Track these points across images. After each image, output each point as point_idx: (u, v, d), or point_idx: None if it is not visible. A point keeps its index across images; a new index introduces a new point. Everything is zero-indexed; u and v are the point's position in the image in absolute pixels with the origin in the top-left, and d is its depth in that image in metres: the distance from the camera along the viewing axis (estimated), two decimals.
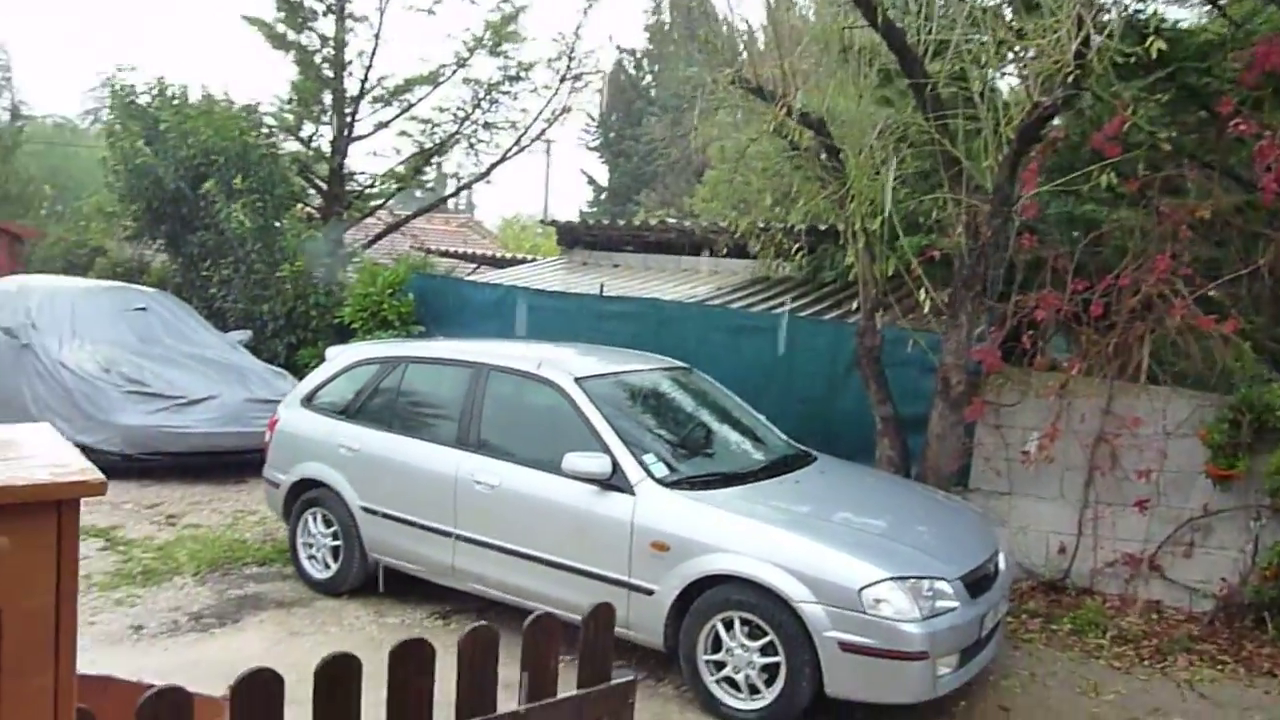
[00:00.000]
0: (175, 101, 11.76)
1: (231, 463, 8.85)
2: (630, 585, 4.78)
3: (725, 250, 9.67)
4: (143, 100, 11.91)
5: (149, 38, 58.77)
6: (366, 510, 5.94)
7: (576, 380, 5.35)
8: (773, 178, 8.49)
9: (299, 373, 10.29)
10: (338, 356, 6.72)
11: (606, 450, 4.96)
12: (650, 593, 4.71)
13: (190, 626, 5.58)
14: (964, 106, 6.06)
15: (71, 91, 64.12)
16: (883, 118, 6.52)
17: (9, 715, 1.18)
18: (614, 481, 4.89)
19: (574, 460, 4.91)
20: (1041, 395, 6.64)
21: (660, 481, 4.89)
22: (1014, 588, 6.15)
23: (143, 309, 10.19)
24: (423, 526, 5.68)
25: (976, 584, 4.64)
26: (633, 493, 4.84)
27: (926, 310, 6.60)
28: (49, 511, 1.21)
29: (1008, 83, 7.34)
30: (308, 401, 6.57)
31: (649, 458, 5.02)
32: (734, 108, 7.66)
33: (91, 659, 2.85)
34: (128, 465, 8.38)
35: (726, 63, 6.81)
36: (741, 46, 7.75)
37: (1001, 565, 5.07)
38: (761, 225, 8.51)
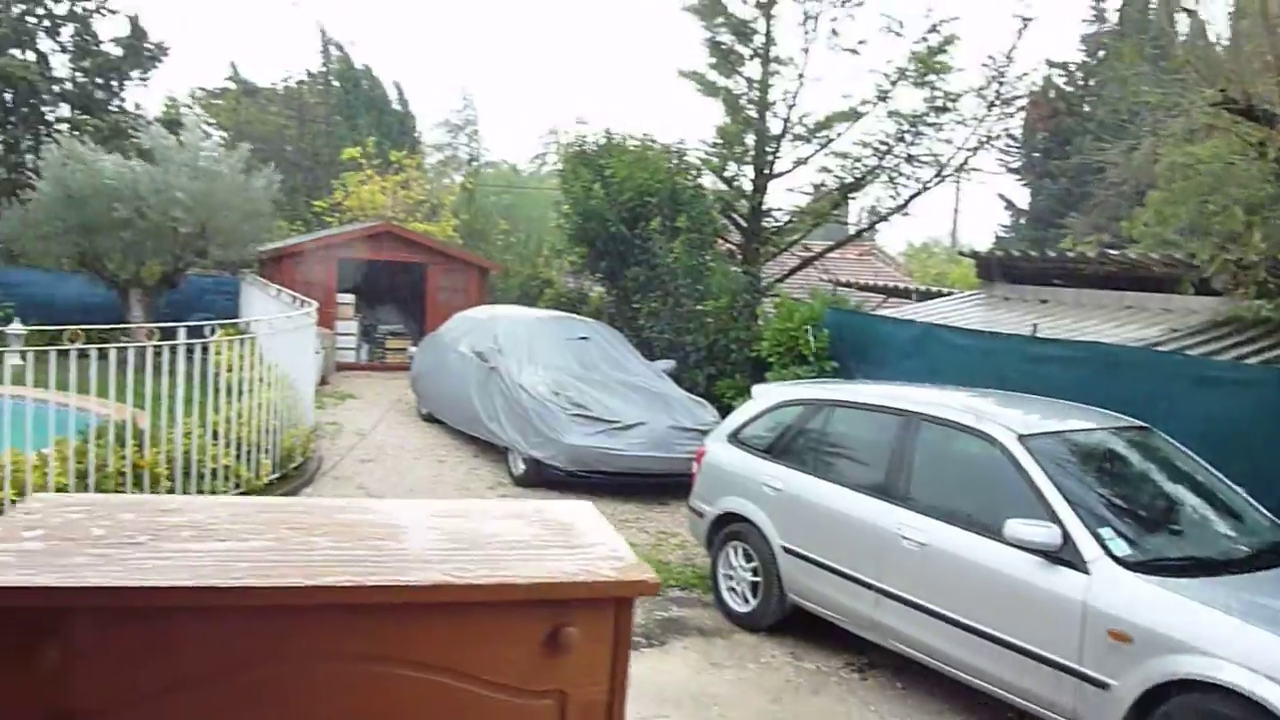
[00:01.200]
0: (617, 150, 12.96)
1: (656, 484, 9.46)
2: (1079, 674, 4.29)
3: (1192, 288, 8.46)
4: (591, 150, 13.28)
5: (587, 89, 65.80)
6: (787, 550, 5.99)
7: (1020, 438, 4.94)
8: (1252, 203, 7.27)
9: (717, 402, 10.78)
10: (764, 395, 6.88)
11: (1055, 519, 4.51)
12: (1105, 686, 4.18)
13: None
14: None
15: (520, 138, 73.92)
16: None
17: None
18: (1064, 555, 4.43)
19: (1017, 527, 4.52)
20: None
21: (1121, 561, 4.33)
22: None
23: (585, 338, 11.31)
24: (844, 575, 5.59)
25: None
26: (1086, 570, 4.34)
27: None
28: (610, 606, 1.29)
29: None
30: (734, 437, 6.80)
31: (1106, 532, 4.48)
32: (1210, 128, 6.68)
33: None
34: (570, 480, 9.31)
35: (1205, 81, 5.95)
36: (1224, 62, 6.74)
37: None
38: (1233, 257, 7.31)
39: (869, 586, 5.41)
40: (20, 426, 6.44)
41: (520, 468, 9.69)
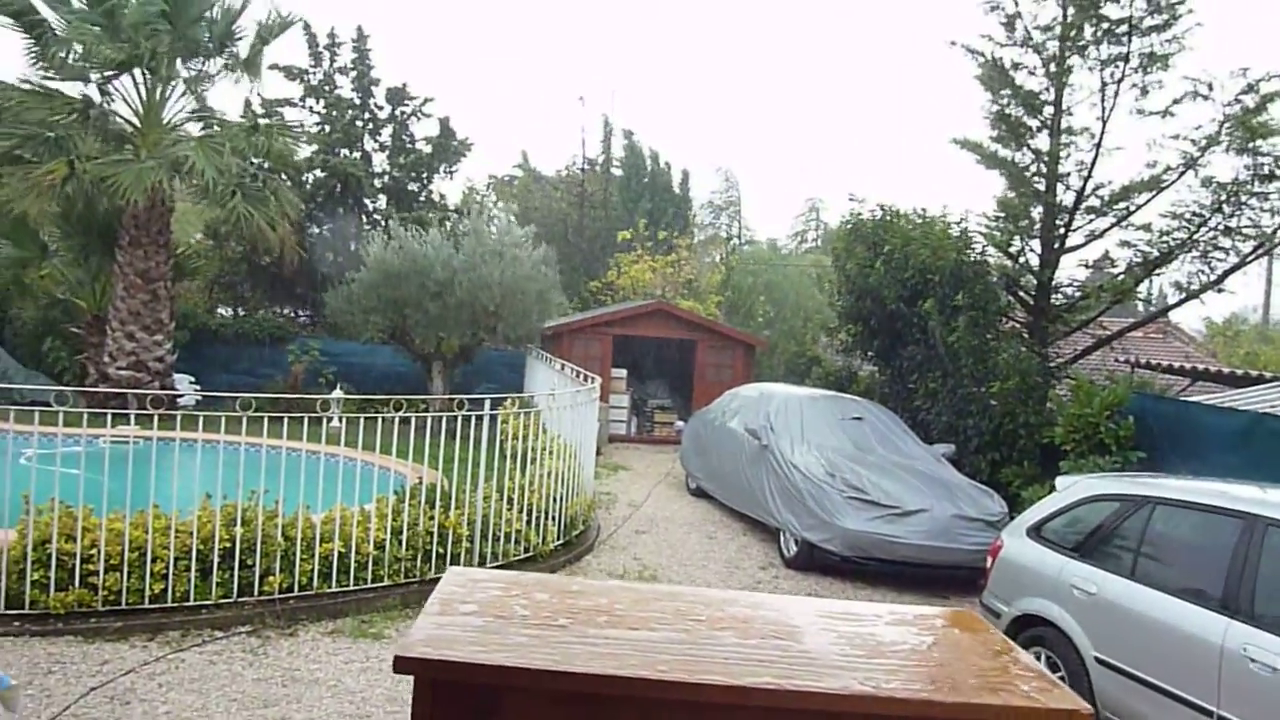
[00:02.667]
0: (894, 225, 12.70)
1: (937, 577, 8.94)
2: None
3: None
4: (866, 226, 13.10)
5: (847, 164, 65.57)
6: (1101, 662, 5.40)
7: None
8: None
9: (1003, 491, 10.09)
10: (1070, 488, 6.33)
11: None
12: None
13: None
14: None
15: (779, 214, 74.54)
16: None
17: None
18: None
19: None
20: None
21: None
22: None
23: (859, 418, 11.02)
24: (1174, 696, 4.94)
25: None
26: None
27: None
28: None
29: None
30: (1035, 532, 6.30)
31: None
32: None
33: None
34: (844, 565, 9.00)
35: None
36: None
37: None
38: None
39: (1205, 712, 4.74)
40: (347, 482, 7.16)
41: (792, 549, 9.50)
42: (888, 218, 13.11)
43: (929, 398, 11.94)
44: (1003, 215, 13.01)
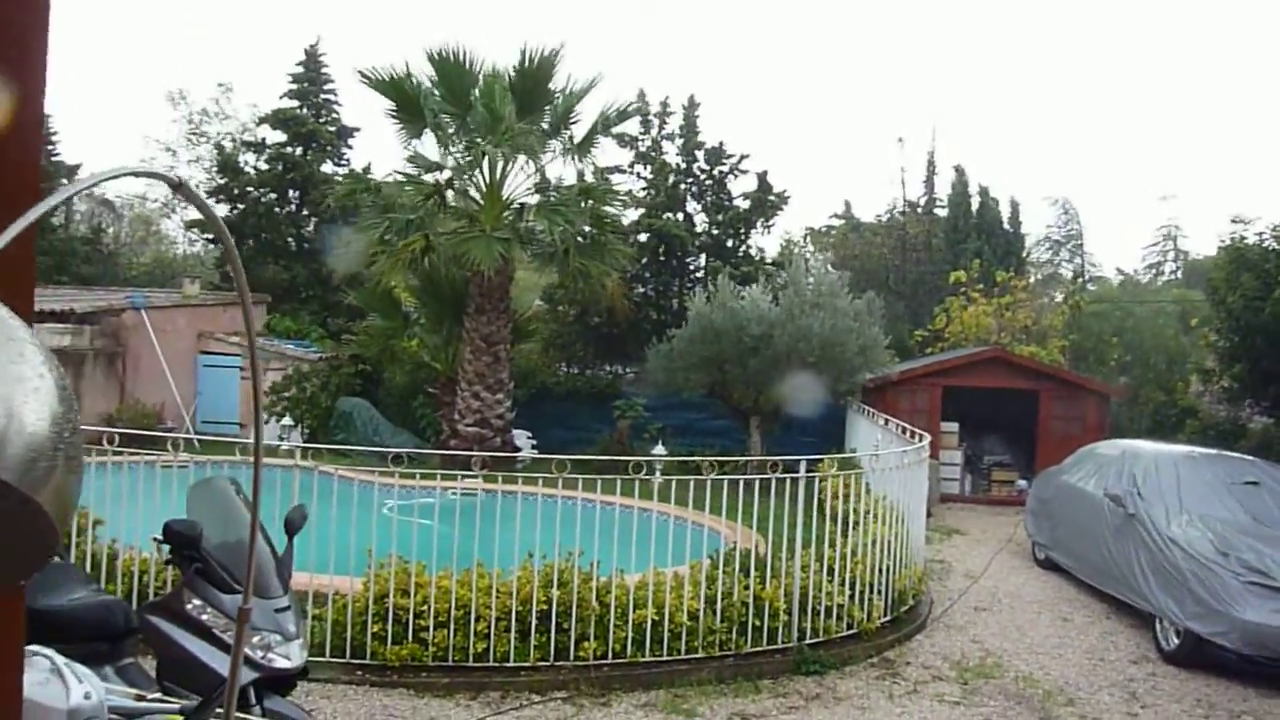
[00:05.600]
0: None
1: None
2: None
3: None
4: (1254, 250, 11.06)
5: (1203, 185, 57.68)
6: None
7: None
8: None
9: None
10: None
11: None
12: None
13: None
14: None
15: (1130, 246, 66.77)
16: None
17: None
18: None
19: None
20: None
21: None
22: None
23: (1254, 483, 9.14)
24: None
25: None
26: None
27: None
28: None
29: None
30: None
31: None
32: None
33: None
34: (1245, 666, 7.36)
35: None
36: None
37: None
38: None
39: None
40: (665, 539, 6.96)
41: (1173, 641, 7.95)
42: None
43: None
44: None
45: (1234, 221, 11.50)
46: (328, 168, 25.40)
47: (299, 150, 25.34)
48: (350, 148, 26.43)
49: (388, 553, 6.56)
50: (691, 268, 23.75)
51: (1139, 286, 33.81)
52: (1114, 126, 66.55)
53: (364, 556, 6.48)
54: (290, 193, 25.48)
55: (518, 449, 16.08)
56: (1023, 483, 16.40)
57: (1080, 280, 36.67)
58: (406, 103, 15.16)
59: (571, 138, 15.86)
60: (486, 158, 14.84)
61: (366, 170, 15.66)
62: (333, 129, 25.92)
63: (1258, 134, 63.03)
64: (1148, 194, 66.67)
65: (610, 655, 6.43)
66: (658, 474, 8.79)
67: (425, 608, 6.23)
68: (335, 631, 6.26)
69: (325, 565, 6.45)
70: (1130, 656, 8.01)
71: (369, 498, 7.04)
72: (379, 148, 40.15)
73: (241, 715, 3.40)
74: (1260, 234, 11.29)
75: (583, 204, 15.34)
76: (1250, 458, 10.26)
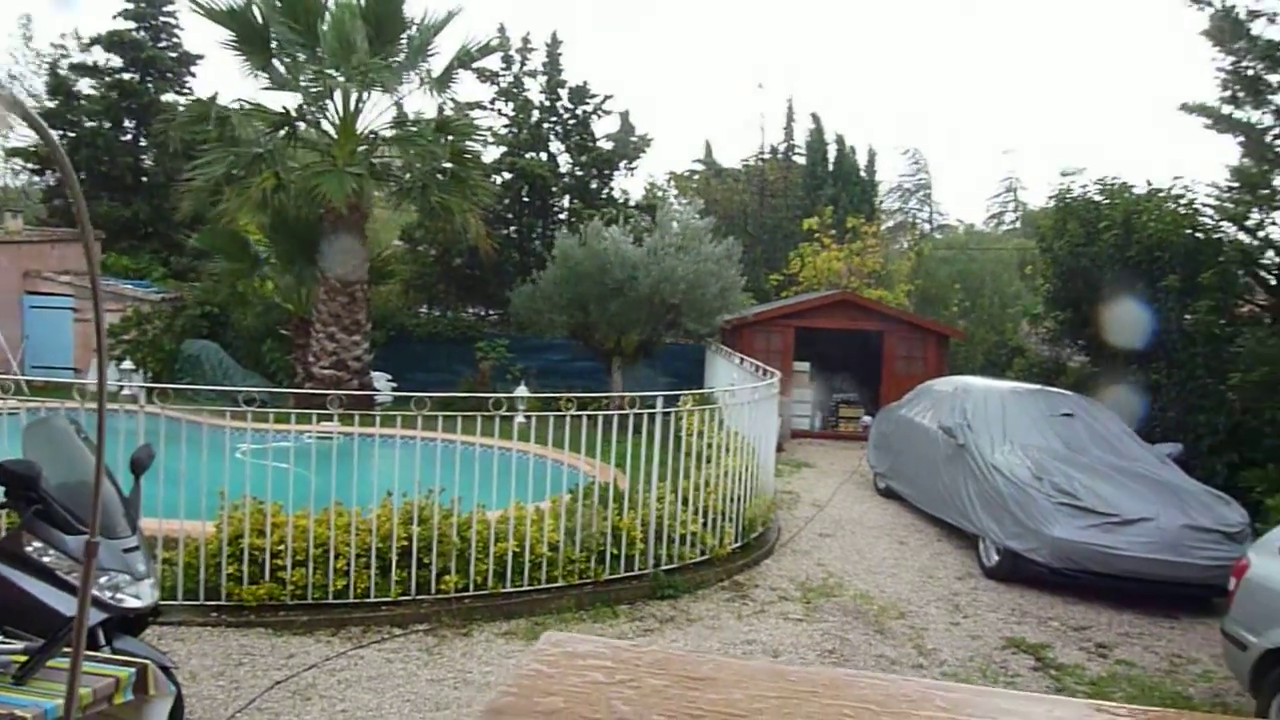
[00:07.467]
0: (1119, 198, 11.46)
1: (1161, 593, 7.94)
2: None
3: None
4: (1079, 200, 11.92)
5: (1050, 138, 61.28)
6: None
7: None
8: None
9: (1242, 498, 8.88)
10: None
11: None
12: None
13: None
14: None
15: (974, 196, 70.37)
16: None
17: None
18: None
19: None
20: None
21: None
22: None
23: (1069, 415, 9.99)
24: None
25: None
26: None
27: None
28: None
29: None
30: None
31: None
32: None
33: None
34: (1053, 578, 8.15)
35: None
36: None
37: None
38: None
39: None
40: (528, 478, 7.10)
41: (993, 558, 8.72)
42: (1107, 191, 11.84)
43: (1151, 391, 10.71)
44: (1238, 185, 11.55)
45: (1062, 174, 12.40)
46: (170, 97, 23.80)
47: (137, 77, 23.62)
48: (194, 76, 24.85)
49: (241, 496, 6.44)
50: (555, 209, 23.64)
51: (982, 235, 35.75)
52: (963, 81, 69.47)
53: (216, 500, 6.35)
54: (126, 122, 23.79)
55: (376, 391, 15.82)
56: (867, 418, 17.32)
57: (927, 228, 38.47)
58: (248, 34, 14.32)
59: (430, 71, 15.42)
60: (339, 89, 14.28)
61: (213, 99, 14.71)
62: (174, 55, 24.27)
63: (1090, 91, 67.08)
64: (992, 147, 70.03)
65: (472, 587, 6.57)
66: (520, 413, 8.87)
67: (282, 547, 6.19)
68: (188, 574, 6.15)
69: (175, 510, 6.29)
70: (956, 574, 8.74)
71: (220, 442, 6.84)
72: (228, 78, 37.88)
73: (90, 653, 3.36)
74: (1084, 186, 12.20)
75: (442, 139, 14.98)
76: (1067, 392, 11.19)
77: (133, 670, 3.12)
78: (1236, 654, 5.56)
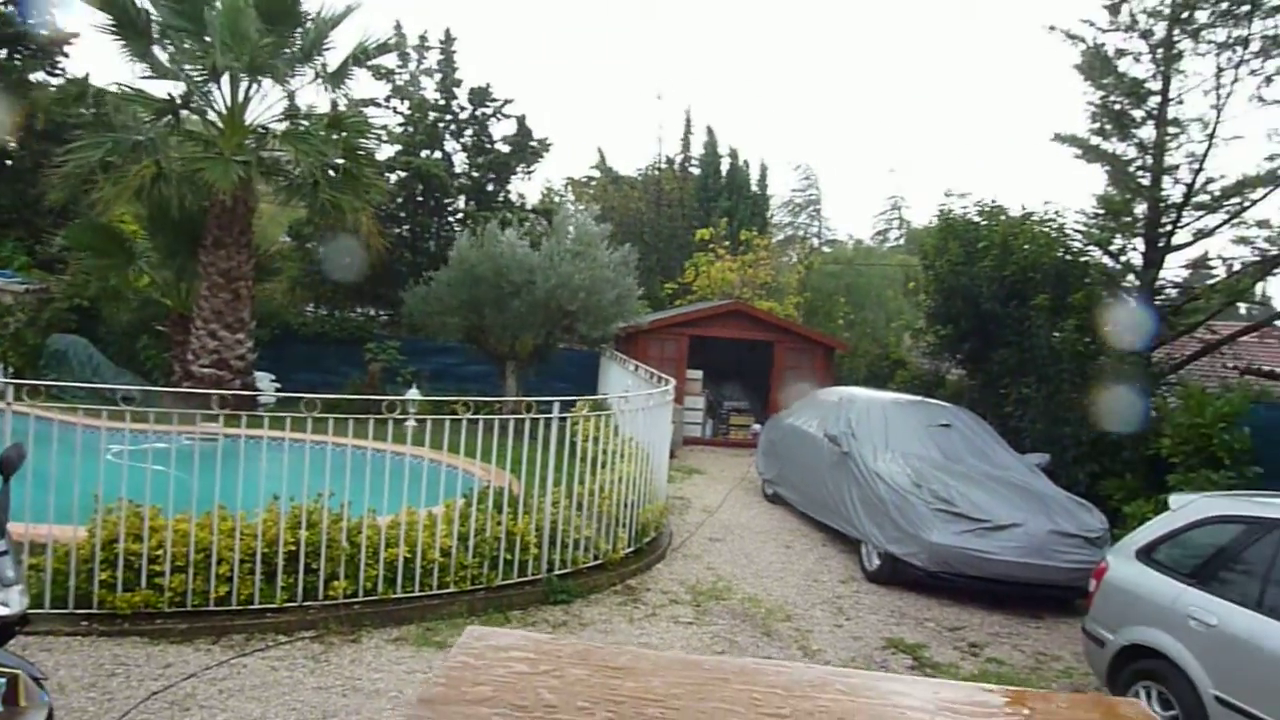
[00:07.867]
0: (997, 220, 12.08)
1: (1029, 595, 8.40)
2: None
3: None
4: (960, 222, 12.50)
5: (931, 162, 63.90)
6: (1222, 702, 4.88)
7: None
8: None
9: (1102, 506, 9.46)
10: (1185, 508, 5.79)
11: None
12: None
13: None
14: None
15: (862, 214, 72.88)
16: None
17: None
18: None
19: None
20: None
21: None
22: None
23: (946, 425, 10.46)
24: None
25: None
26: None
27: None
28: None
29: None
30: (1145, 555, 5.79)
31: None
32: None
33: None
34: (930, 581, 8.52)
35: None
36: None
37: None
38: None
39: None
40: (419, 483, 6.99)
41: (875, 563, 9.05)
42: (987, 213, 12.47)
43: (1021, 404, 11.31)
44: (1103, 212, 12.33)
45: (946, 195, 12.99)
46: (39, 77, 22.46)
47: (3, 54, 22.20)
48: (66, 55, 23.50)
49: (116, 499, 6.15)
50: (450, 209, 23.35)
51: (869, 251, 36.95)
52: (854, 100, 71.72)
53: (89, 504, 6.04)
54: None
55: (259, 392, 15.29)
56: (757, 426, 17.69)
57: (816, 242, 39.53)
58: (126, 19, 13.63)
59: (325, 65, 15.01)
60: (226, 76, 13.77)
61: (86, 79, 13.95)
62: (45, 32, 22.91)
63: (973, 115, 70.24)
64: (880, 166, 72.48)
65: (361, 593, 6.45)
66: (411, 416, 8.74)
67: (161, 552, 5.94)
68: (56, 581, 5.84)
69: (44, 514, 5.95)
70: (840, 577, 9.03)
71: (93, 443, 6.51)
72: (106, 60, 35.95)
73: None
74: (965, 208, 12.81)
75: (334, 135, 14.60)
76: (945, 404, 11.70)
77: (2, 680, 2.97)
78: (1095, 651, 5.94)
